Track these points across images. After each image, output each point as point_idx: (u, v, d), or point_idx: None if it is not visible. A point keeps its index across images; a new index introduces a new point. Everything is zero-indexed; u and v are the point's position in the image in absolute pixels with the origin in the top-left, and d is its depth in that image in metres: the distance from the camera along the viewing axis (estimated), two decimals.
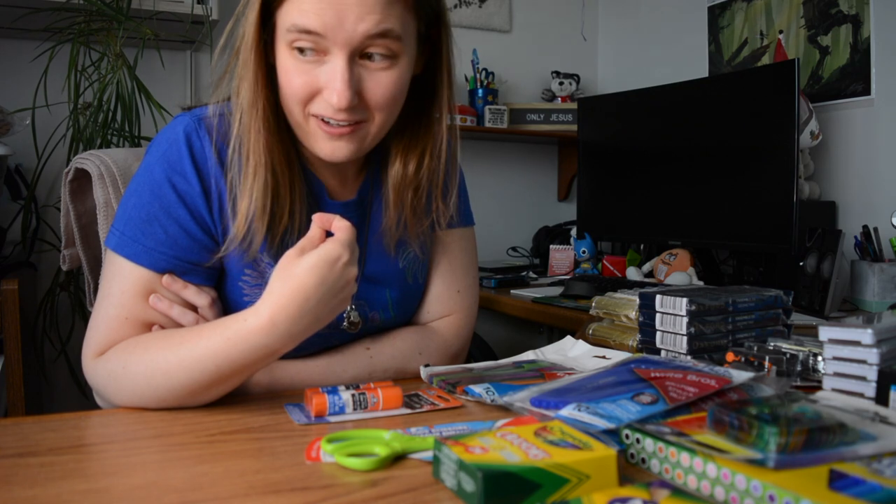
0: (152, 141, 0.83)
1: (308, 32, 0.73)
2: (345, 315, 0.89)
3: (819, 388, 0.73)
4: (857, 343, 0.69)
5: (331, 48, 0.74)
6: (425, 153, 0.88)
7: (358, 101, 0.76)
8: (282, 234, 0.82)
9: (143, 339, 0.76)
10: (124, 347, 0.76)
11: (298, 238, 0.74)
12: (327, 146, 0.80)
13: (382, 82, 0.78)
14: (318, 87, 0.76)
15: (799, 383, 0.77)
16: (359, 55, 0.76)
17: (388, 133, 0.85)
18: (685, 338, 0.86)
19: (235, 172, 0.80)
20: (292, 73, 0.76)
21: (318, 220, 0.74)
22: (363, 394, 0.71)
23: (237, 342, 0.70)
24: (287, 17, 0.74)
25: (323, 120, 0.78)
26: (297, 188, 0.82)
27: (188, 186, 0.79)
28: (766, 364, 0.79)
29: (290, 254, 0.71)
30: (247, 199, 0.79)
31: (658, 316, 0.89)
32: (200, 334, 0.72)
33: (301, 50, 0.75)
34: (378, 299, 0.92)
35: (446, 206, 0.93)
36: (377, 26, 0.74)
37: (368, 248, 0.92)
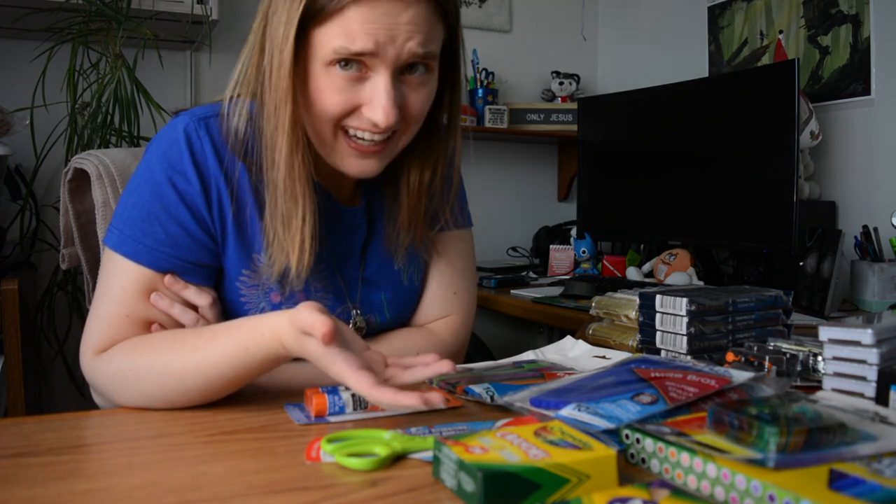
0: (152, 140, 0.83)
1: (360, 54, 0.71)
2: (351, 321, 0.89)
3: (819, 388, 0.73)
4: (857, 343, 0.69)
5: (377, 66, 0.73)
6: (438, 161, 0.88)
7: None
8: None
9: (149, 340, 0.75)
10: (130, 349, 0.75)
11: None
12: (357, 164, 0.79)
13: (421, 97, 0.77)
14: (356, 104, 0.75)
15: (799, 383, 0.77)
16: (399, 71, 0.75)
17: None
18: (685, 338, 0.86)
19: (271, 201, 0.78)
20: (330, 91, 0.74)
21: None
22: None
23: (255, 353, 0.69)
24: (331, 40, 0.71)
25: (354, 137, 0.77)
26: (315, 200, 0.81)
27: (188, 186, 0.79)
28: (766, 364, 0.79)
29: None
30: (309, 224, 0.77)
31: (658, 316, 0.89)
32: (216, 341, 0.71)
33: (343, 66, 0.73)
34: (374, 302, 0.92)
35: (453, 209, 0.93)
36: (424, 46, 0.73)
37: (367, 253, 0.92)
